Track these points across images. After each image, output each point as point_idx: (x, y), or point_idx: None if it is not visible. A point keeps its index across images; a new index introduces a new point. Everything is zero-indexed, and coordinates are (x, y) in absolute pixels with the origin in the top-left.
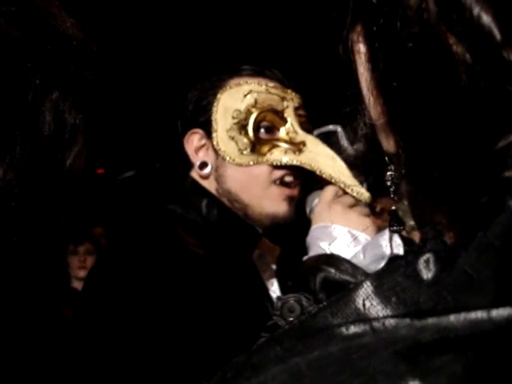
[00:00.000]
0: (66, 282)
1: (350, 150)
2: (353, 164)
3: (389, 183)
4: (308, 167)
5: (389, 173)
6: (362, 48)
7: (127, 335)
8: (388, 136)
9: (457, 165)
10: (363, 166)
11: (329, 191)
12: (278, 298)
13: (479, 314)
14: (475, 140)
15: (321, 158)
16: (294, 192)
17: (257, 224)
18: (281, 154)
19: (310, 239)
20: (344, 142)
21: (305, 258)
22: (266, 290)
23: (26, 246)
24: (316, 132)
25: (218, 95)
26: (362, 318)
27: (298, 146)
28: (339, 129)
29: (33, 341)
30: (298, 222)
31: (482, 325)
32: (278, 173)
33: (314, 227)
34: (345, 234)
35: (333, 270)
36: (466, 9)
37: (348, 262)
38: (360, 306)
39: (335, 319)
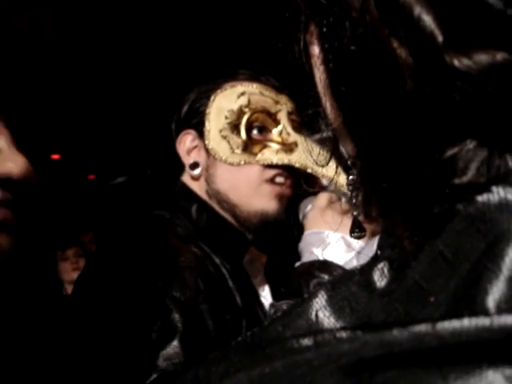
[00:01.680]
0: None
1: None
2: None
3: (350, 188)
4: (299, 165)
5: (350, 177)
6: (315, 50)
7: (112, 342)
8: (345, 140)
9: (407, 173)
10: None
11: (322, 197)
12: (271, 304)
13: (423, 328)
14: (424, 148)
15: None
16: (286, 191)
17: (246, 223)
18: (272, 154)
19: (302, 245)
20: None
21: (297, 264)
22: (257, 296)
23: None
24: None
25: (212, 97)
26: (313, 330)
27: (289, 146)
28: None
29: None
30: (291, 228)
31: (426, 339)
32: (269, 173)
33: (306, 233)
34: (338, 240)
35: (326, 276)
36: (406, 10)
37: (341, 268)
38: (313, 316)
39: (287, 331)
